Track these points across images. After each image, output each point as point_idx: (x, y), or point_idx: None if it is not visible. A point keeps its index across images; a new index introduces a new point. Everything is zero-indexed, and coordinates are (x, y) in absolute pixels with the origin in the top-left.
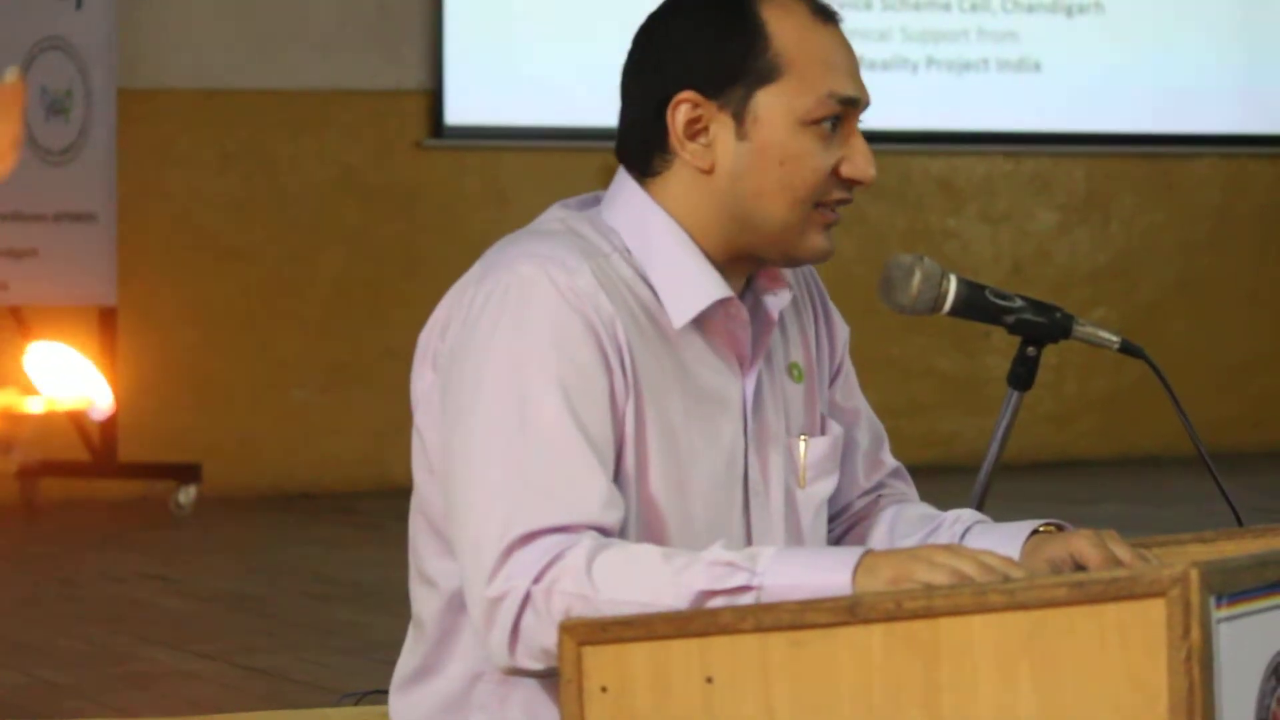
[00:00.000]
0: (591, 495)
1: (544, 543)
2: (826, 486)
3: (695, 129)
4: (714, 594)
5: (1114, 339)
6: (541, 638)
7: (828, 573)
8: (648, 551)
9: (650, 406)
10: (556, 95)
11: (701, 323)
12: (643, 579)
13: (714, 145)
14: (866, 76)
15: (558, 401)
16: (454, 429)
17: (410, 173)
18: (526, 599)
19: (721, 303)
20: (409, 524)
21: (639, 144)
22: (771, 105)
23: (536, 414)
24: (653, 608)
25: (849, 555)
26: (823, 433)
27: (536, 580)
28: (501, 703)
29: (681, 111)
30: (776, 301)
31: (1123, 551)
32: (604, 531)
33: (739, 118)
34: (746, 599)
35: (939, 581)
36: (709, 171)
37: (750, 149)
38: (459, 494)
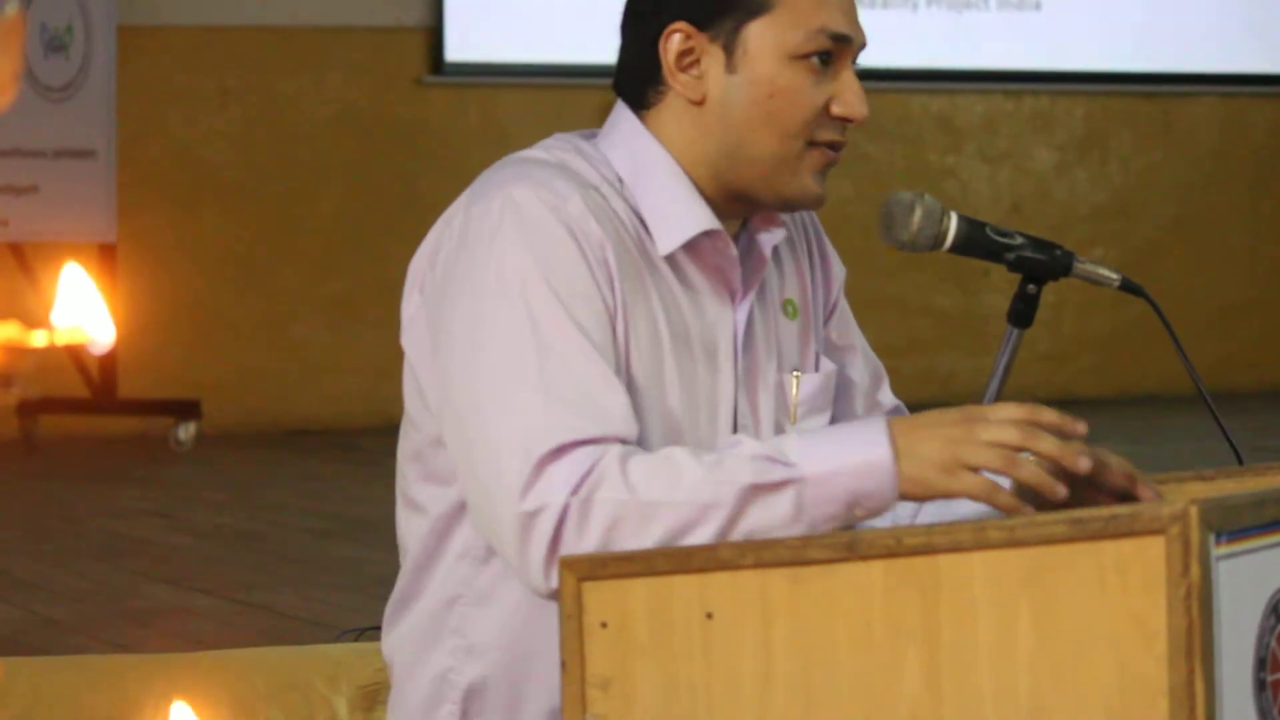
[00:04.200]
0: (614, 406)
1: (575, 455)
2: (817, 423)
3: (687, 61)
4: (761, 488)
5: (1114, 277)
6: (581, 550)
7: (864, 448)
8: (677, 452)
9: (636, 336)
10: (556, 32)
11: (691, 255)
12: (680, 478)
13: (705, 77)
14: (867, 14)
15: (566, 315)
16: (458, 350)
17: (410, 109)
18: (565, 511)
19: (709, 235)
20: (397, 450)
21: (634, 76)
22: (761, 38)
23: (549, 328)
24: (692, 505)
25: (874, 429)
26: (815, 370)
27: (574, 492)
28: (473, 625)
29: (673, 42)
30: (770, 238)
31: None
32: (625, 440)
33: (729, 50)
34: (788, 492)
35: (992, 465)
36: (700, 103)
37: (740, 81)
38: (471, 414)
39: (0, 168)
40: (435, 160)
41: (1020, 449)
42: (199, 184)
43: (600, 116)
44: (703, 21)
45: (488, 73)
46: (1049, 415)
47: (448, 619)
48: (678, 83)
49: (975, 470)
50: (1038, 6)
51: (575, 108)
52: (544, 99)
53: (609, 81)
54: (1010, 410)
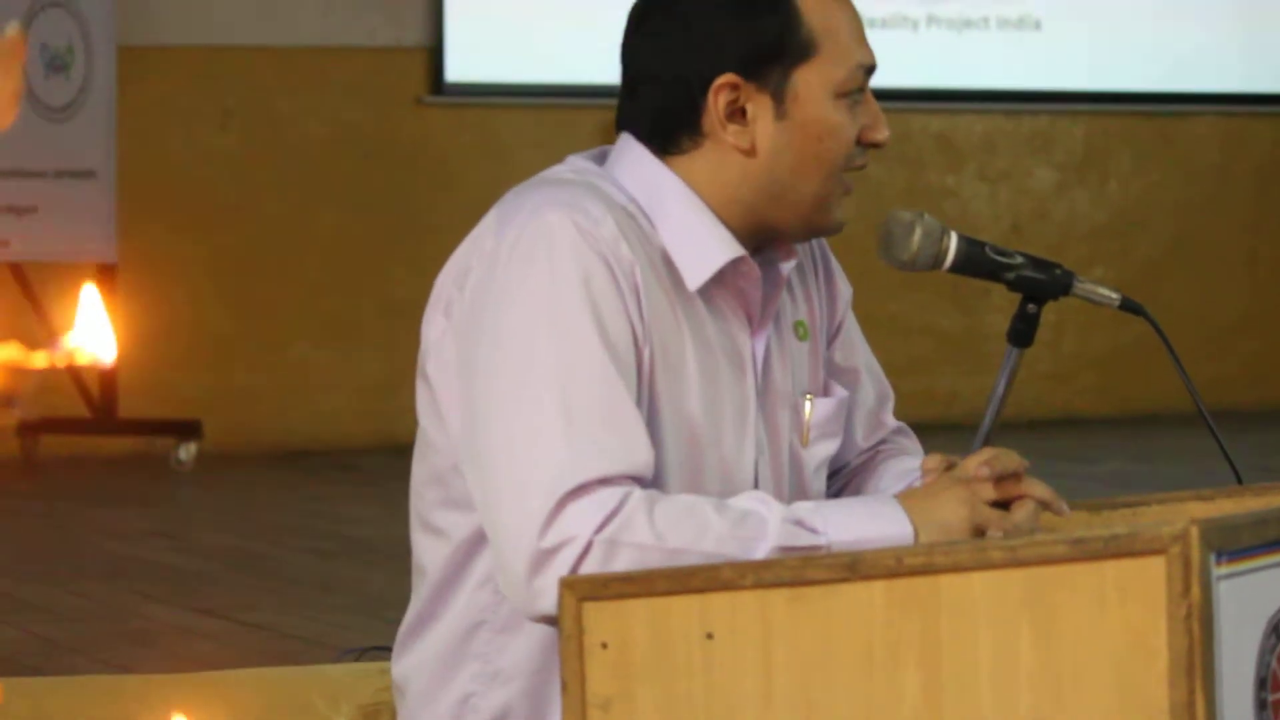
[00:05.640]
0: (638, 445)
1: (601, 494)
2: (828, 447)
3: (733, 109)
4: (789, 551)
5: (1114, 296)
6: None
7: (885, 525)
8: (700, 502)
9: (663, 358)
10: (556, 52)
11: (714, 282)
12: (707, 530)
13: (753, 126)
14: (867, 34)
15: (595, 346)
16: (485, 377)
17: (410, 129)
18: (587, 549)
19: (734, 262)
20: (411, 474)
21: (663, 122)
22: (810, 82)
23: (578, 359)
24: (718, 559)
25: (891, 505)
26: (826, 393)
27: (598, 530)
28: (500, 651)
29: (723, 95)
30: (788, 266)
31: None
32: (643, 479)
33: (778, 97)
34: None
35: (995, 523)
36: (749, 152)
37: (789, 127)
38: (494, 443)
39: (1, 188)
40: (435, 180)
41: (1020, 497)
42: (199, 204)
43: (600, 136)
44: (750, 72)
45: (487, 93)
46: (1011, 458)
47: (470, 644)
48: (728, 133)
49: (983, 527)
50: (1037, 26)
51: (574, 128)
52: (543, 119)
53: (609, 102)
54: (984, 457)
